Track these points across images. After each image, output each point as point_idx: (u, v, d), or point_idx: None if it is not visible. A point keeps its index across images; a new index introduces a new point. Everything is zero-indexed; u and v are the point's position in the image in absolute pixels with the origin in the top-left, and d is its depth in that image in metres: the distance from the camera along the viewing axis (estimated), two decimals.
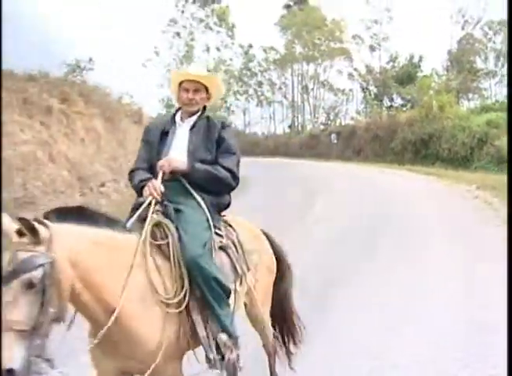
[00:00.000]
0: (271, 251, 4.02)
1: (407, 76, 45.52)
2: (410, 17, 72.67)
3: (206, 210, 3.38)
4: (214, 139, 3.56)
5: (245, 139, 58.39)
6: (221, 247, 3.44)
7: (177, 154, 3.51)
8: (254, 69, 58.37)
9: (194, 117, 3.67)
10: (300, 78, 58.08)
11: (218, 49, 33.87)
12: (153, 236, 3.11)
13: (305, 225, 11.76)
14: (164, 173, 3.38)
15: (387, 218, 12.02)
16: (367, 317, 5.90)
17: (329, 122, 53.56)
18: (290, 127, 58.43)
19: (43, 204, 10.52)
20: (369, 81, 51.33)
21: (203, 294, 3.08)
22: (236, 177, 3.55)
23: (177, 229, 3.18)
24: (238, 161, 3.61)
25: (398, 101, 47.80)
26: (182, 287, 3.02)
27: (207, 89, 3.67)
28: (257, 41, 61.78)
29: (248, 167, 29.52)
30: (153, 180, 3.36)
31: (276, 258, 4.07)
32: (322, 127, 50.67)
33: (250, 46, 55.41)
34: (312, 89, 57.62)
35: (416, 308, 6.21)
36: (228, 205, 3.68)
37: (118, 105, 19.21)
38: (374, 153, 34.45)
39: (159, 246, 3.10)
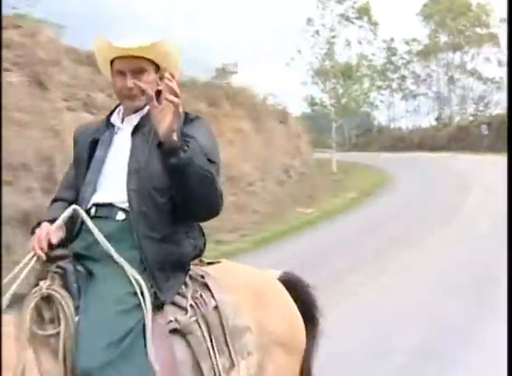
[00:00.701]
0: (295, 312, 2.40)
1: None
2: None
3: (130, 273, 1.92)
4: None
5: (389, 134, 57.82)
6: (176, 331, 1.98)
7: (116, 177, 2.10)
8: (396, 62, 57.37)
9: (143, 112, 2.20)
10: (445, 68, 56.14)
11: (359, 42, 33.56)
12: (40, 318, 1.83)
13: (458, 221, 11.48)
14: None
15: None
16: None
17: (478, 113, 51.35)
18: (436, 119, 56.70)
19: None
20: None
21: None
22: (222, 200, 2.07)
23: (77, 309, 1.84)
24: (218, 171, 2.09)
25: None
26: None
27: (157, 66, 2.19)
28: (399, 34, 60.67)
29: (392, 163, 29.26)
30: (45, 225, 2.03)
31: (307, 319, 2.46)
32: (471, 118, 48.73)
33: (392, 40, 54.54)
34: (459, 79, 55.43)
35: None
36: (200, 253, 2.26)
37: (263, 106, 19.69)
38: None
39: (48, 337, 1.79)
